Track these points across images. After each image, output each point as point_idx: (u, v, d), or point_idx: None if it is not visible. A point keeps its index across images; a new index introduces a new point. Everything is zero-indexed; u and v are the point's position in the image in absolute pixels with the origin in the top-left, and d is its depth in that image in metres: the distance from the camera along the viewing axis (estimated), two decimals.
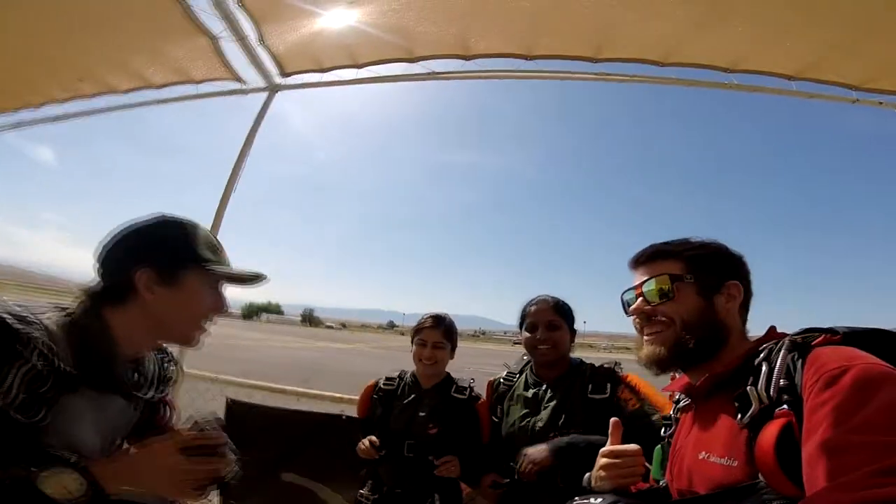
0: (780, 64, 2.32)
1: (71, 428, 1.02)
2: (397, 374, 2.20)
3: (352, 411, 2.74)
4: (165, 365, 1.34)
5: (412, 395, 2.07)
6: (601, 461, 1.06)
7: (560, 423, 1.71)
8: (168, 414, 1.37)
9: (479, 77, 3.17)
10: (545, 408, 1.78)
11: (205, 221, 3.10)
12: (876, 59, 2.12)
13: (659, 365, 1.01)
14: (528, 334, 1.88)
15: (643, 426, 1.48)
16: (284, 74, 3.34)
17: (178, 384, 1.61)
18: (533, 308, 1.91)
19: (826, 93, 2.35)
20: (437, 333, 2.08)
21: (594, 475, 1.07)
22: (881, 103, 2.36)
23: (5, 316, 0.92)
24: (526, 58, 2.89)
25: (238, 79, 3.35)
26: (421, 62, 3.12)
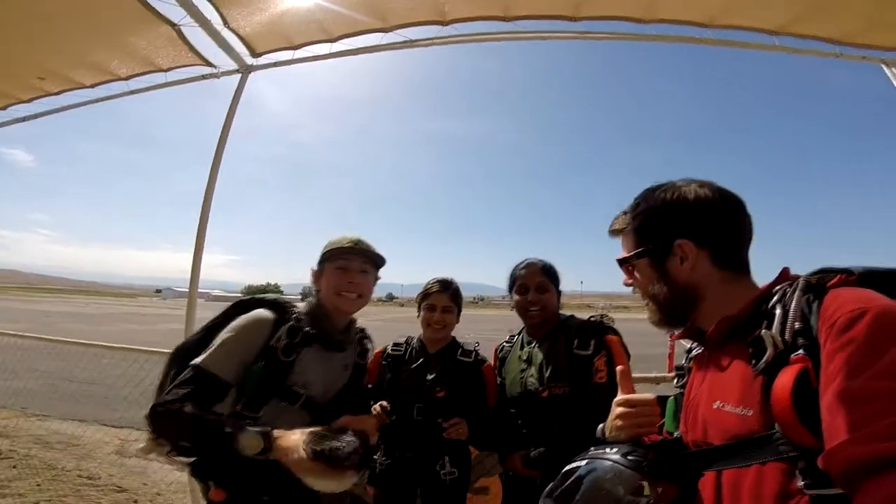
0: (762, 19, 2.26)
1: (305, 372, 1.59)
2: (404, 339, 2.21)
3: None
4: (363, 340, 1.89)
5: (420, 360, 2.09)
6: (616, 410, 1.02)
7: (547, 377, 1.78)
8: (366, 379, 1.92)
9: (458, 42, 3.05)
10: (534, 364, 1.87)
11: (194, 206, 3.15)
12: (858, 14, 2.08)
13: (660, 326, 1.03)
14: (518, 297, 1.96)
15: (596, 401, 1.56)
16: (255, 55, 3.22)
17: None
18: (522, 271, 1.97)
19: (808, 48, 2.32)
20: (446, 297, 2.09)
21: (608, 425, 1.05)
22: (864, 58, 2.34)
23: (281, 299, 1.69)
24: (504, 19, 2.79)
25: (208, 63, 3.22)
26: (396, 31, 3.02)
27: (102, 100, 3.50)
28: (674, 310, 0.98)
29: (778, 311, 0.78)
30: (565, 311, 2.04)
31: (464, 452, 2.08)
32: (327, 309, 1.68)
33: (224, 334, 1.52)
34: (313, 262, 1.78)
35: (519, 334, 2.08)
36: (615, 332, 1.84)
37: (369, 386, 2.01)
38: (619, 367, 1.14)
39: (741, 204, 0.95)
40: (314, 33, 3.04)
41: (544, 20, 2.72)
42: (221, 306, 1.78)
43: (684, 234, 0.93)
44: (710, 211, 0.93)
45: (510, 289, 2.02)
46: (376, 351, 2.14)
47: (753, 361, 0.77)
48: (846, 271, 0.77)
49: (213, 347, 1.50)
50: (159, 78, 3.29)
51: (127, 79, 3.23)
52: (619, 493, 0.83)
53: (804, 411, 0.67)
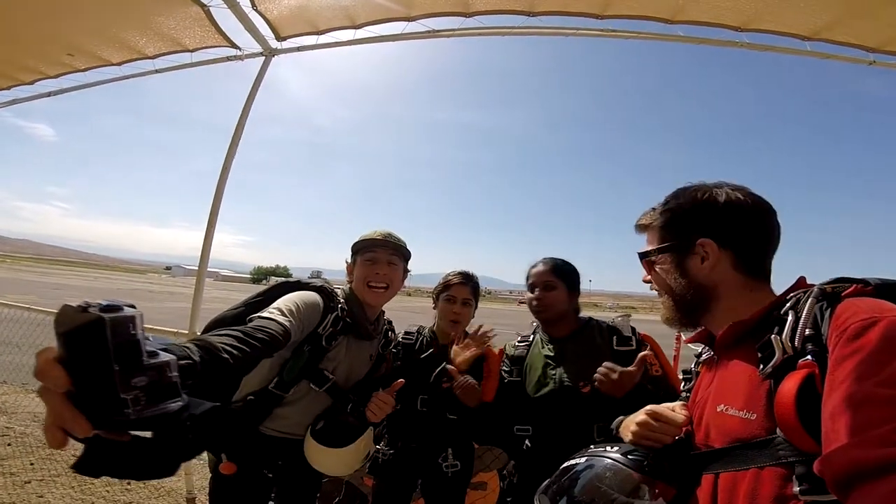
0: (794, 24, 2.20)
1: (335, 358, 1.68)
2: (416, 328, 2.19)
3: None
4: (388, 332, 2.00)
5: (429, 351, 2.05)
6: (640, 416, 1.02)
7: (586, 374, 1.72)
8: (385, 368, 1.99)
9: (480, 34, 3.03)
10: (566, 361, 1.83)
11: (211, 186, 3.11)
12: (893, 21, 2.02)
13: (671, 325, 1.03)
14: (528, 294, 1.96)
15: (658, 394, 1.51)
16: (280, 38, 3.24)
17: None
18: (533, 270, 1.97)
19: (841, 54, 2.26)
20: (466, 290, 2.06)
21: (625, 424, 1.06)
22: None
23: (328, 287, 1.69)
24: (528, 14, 2.76)
25: (233, 45, 3.26)
26: (420, 20, 3.01)
27: (128, 77, 3.57)
28: (688, 308, 0.98)
29: (790, 317, 0.77)
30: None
31: (467, 446, 2.07)
32: (360, 300, 1.75)
33: (289, 301, 1.50)
34: (323, 245, 1.85)
35: (533, 334, 2.05)
36: None
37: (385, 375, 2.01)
38: (641, 354, 1.22)
39: (772, 212, 0.94)
40: (339, 19, 3.05)
41: (570, 17, 2.68)
42: (230, 286, 1.84)
43: (708, 233, 0.93)
44: (737, 214, 0.93)
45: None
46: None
47: (761, 366, 0.77)
48: (862, 282, 0.76)
49: (280, 305, 1.47)
50: (184, 58, 3.34)
51: (153, 58, 3.29)
52: (614, 491, 0.84)
53: (807, 416, 0.66)
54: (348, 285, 1.81)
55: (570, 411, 1.73)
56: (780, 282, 0.93)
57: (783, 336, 0.76)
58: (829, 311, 0.73)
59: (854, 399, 0.58)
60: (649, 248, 1.04)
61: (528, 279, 1.99)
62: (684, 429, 0.98)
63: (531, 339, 2.04)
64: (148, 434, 0.64)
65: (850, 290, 0.75)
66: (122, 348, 0.57)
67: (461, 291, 2.06)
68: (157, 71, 3.45)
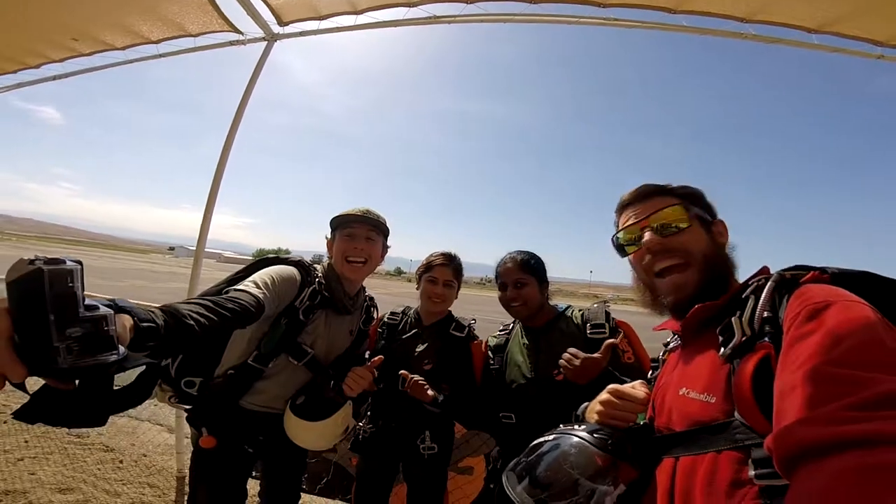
0: (802, 16, 2.13)
1: (314, 332, 1.70)
2: (402, 309, 2.20)
3: None
4: (370, 308, 2.01)
5: (413, 331, 2.06)
6: (603, 396, 1.04)
7: (558, 365, 1.73)
8: (366, 345, 2.03)
9: (482, 20, 2.99)
10: (541, 352, 1.86)
11: (210, 170, 3.14)
12: None
13: (678, 310, 0.96)
14: (500, 293, 1.97)
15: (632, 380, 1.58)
16: (282, 23, 3.24)
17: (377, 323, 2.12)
18: (501, 269, 1.98)
19: (849, 48, 2.19)
20: (448, 271, 2.05)
21: (590, 407, 1.06)
22: None
23: (305, 261, 1.74)
24: (529, 1, 2.72)
25: (235, 30, 3.27)
26: (422, 6, 2.98)
27: (132, 62, 3.59)
28: (714, 279, 0.94)
29: (750, 301, 0.80)
30: (571, 300, 2.00)
31: (446, 429, 2.06)
32: (339, 274, 1.78)
33: (263, 274, 1.53)
34: (325, 230, 1.86)
35: (514, 325, 2.07)
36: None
37: (367, 354, 2.03)
38: (607, 341, 1.21)
39: None
40: (341, 4, 3.03)
41: (571, 4, 2.63)
42: (233, 268, 1.85)
43: (717, 217, 1.02)
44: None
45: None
46: (377, 319, 2.14)
47: (722, 349, 0.79)
48: (820, 269, 0.78)
49: (255, 278, 1.50)
50: (187, 43, 3.35)
51: (157, 42, 3.30)
52: (576, 472, 0.84)
53: (763, 397, 0.67)
54: (327, 260, 1.84)
55: (546, 400, 1.75)
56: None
57: (744, 318, 0.78)
58: (786, 295, 0.75)
59: (804, 378, 0.58)
60: (673, 205, 0.99)
61: (497, 278, 1.99)
62: (648, 412, 1.00)
63: (511, 328, 2.07)
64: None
65: (808, 276, 0.77)
66: (58, 299, 0.59)
67: (443, 273, 2.04)
68: (160, 55, 3.47)
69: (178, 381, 1.56)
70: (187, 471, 2.76)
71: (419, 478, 2.00)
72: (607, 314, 1.86)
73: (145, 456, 3.39)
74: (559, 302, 2.03)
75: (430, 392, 1.82)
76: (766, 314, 0.75)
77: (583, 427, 0.92)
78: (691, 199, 1.01)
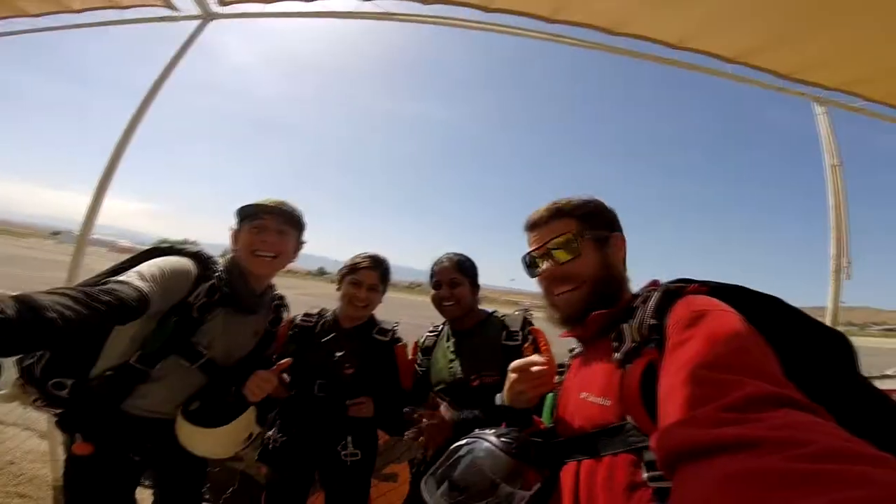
0: (724, 46, 2.41)
1: (211, 332, 1.57)
2: (317, 311, 2.10)
3: None
4: (279, 308, 1.91)
5: (331, 334, 1.98)
6: (513, 376, 1.06)
7: (477, 368, 1.84)
8: (274, 348, 1.92)
9: (436, 23, 3.03)
10: (462, 355, 1.91)
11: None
12: (805, 50, 2.27)
13: (566, 321, 1.05)
14: (434, 291, 2.00)
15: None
16: (224, 3, 3.06)
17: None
18: (437, 267, 2.02)
19: (755, 78, 2.51)
20: (374, 275, 2.00)
21: (507, 392, 1.08)
22: (802, 94, 2.56)
23: (203, 253, 1.59)
24: (484, 9, 2.80)
25: (170, 5, 3.03)
26: (376, 0, 2.96)
27: (44, 30, 3.19)
28: (605, 295, 1.02)
29: (640, 309, 0.87)
30: (492, 307, 2.10)
31: (370, 434, 2.00)
32: (243, 270, 1.65)
33: (151, 265, 1.40)
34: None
35: (443, 326, 2.11)
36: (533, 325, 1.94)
37: (274, 356, 1.90)
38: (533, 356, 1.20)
39: None
40: None
41: (523, 17, 2.75)
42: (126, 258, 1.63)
43: (616, 230, 1.08)
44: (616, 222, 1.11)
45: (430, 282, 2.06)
46: (287, 319, 2.04)
47: (615, 353, 0.86)
48: (701, 282, 0.88)
49: (140, 269, 1.37)
50: (113, 15, 3.05)
51: (78, 11, 2.96)
52: (491, 474, 0.87)
53: (651, 401, 0.72)
54: (230, 253, 1.70)
55: (463, 405, 1.79)
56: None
57: (633, 325, 0.85)
58: (670, 305, 0.83)
59: (682, 381, 0.63)
60: (566, 233, 1.05)
61: (432, 276, 2.03)
62: (554, 415, 1.06)
63: (441, 329, 2.10)
64: None
65: (690, 288, 0.86)
66: None
67: (369, 276, 1.99)
68: (77, 26, 3.11)
69: (44, 383, 1.38)
70: None
71: (340, 486, 1.92)
72: (525, 321, 1.93)
73: (13, 463, 3.06)
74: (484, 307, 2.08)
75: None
76: (652, 321, 0.82)
77: (493, 431, 0.96)
78: (588, 217, 1.06)
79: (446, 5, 2.89)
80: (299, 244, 1.80)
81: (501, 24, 2.89)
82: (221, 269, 1.63)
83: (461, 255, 2.06)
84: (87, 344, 1.43)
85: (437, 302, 1.99)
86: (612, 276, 1.04)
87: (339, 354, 1.92)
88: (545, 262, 1.09)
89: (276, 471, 1.92)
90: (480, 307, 2.07)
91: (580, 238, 1.05)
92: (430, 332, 2.14)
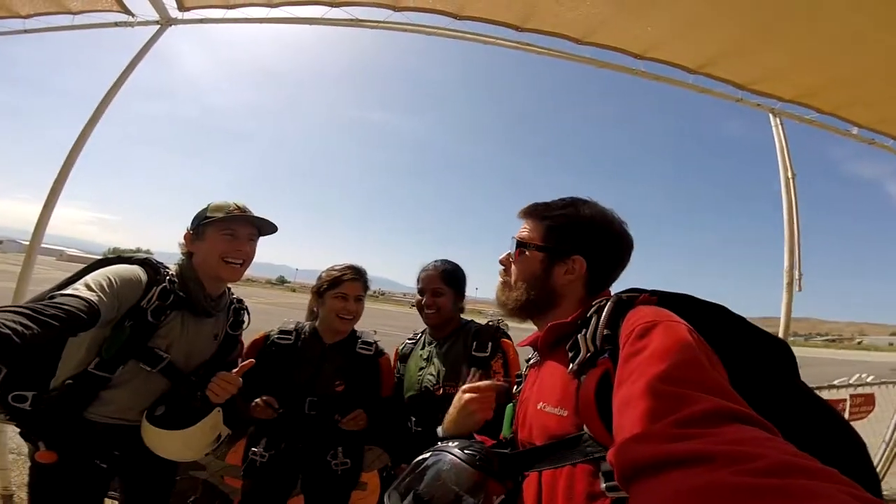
0: (685, 56, 2.48)
1: (168, 336, 1.57)
2: (292, 326, 2.03)
3: None
4: (240, 311, 1.87)
5: (315, 351, 1.94)
6: (464, 396, 1.09)
7: (443, 377, 1.85)
8: (238, 352, 1.89)
9: (404, 30, 3.00)
10: (433, 364, 1.92)
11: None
12: (762, 62, 2.36)
13: (501, 308, 1.11)
14: (418, 297, 2.03)
15: (498, 404, 1.73)
16: (183, 8, 2.95)
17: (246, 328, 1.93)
18: (423, 274, 2.04)
19: (716, 89, 2.60)
20: (358, 286, 1.97)
21: (452, 416, 1.12)
22: (759, 105, 2.66)
23: (153, 259, 1.60)
24: (455, 17, 2.79)
25: (126, 10, 2.90)
26: (344, 7, 2.91)
27: None
28: (532, 305, 1.06)
29: (593, 320, 0.86)
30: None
31: (359, 444, 2.01)
32: (200, 274, 1.65)
33: (98, 275, 1.40)
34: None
35: (422, 334, 2.12)
36: (509, 338, 1.95)
37: (241, 361, 1.86)
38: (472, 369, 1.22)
39: (633, 247, 1.08)
40: None
41: (493, 25, 2.76)
42: (75, 268, 1.67)
43: (585, 253, 1.02)
44: (615, 246, 1.05)
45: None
46: (257, 336, 2.02)
47: (571, 364, 0.85)
48: (651, 292, 0.88)
49: (87, 280, 1.38)
50: (63, 21, 2.90)
51: (27, 17, 2.80)
52: (455, 487, 0.87)
53: (606, 411, 0.72)
54: (183, 257, 1.69)
55: (429, 412, 1.80)
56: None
57: (587, 335, 0.85)
58: (622, 315, 0.83)
59: (635, 393, 0.62)
60: (530, 236, 1.08)
61: (418, 282, 2.05)
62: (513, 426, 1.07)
63: (419, 337, 2.13)
64: None
65: (640, 298, 0.86)
66: None
67: (354, 288, 1.96)
68: (26, 31, 2.94)
69: (4, 397, 1.40)
70: (15, 489, 2.50)
71: (325, 494, 1.93)
72: (497, 332, 1.94)
73: None
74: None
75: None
76: (605, 332, 0.82)
77: (456, 444, 0.96)
78: (555, 230, 1.06)
79: (417, 12, 2.87)
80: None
81: (472, 31, 2.88)
82: (174, 273, 1.63)
83: (450, 264, 2.06)
84: (42, 356, 1.44)
85: (420, 308, 2.01)
86: (543, 289, 1.04)
87: (326, 372, 1.91)
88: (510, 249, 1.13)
89: (259, 484, 1.88)
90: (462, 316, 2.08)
91: (527, 248, 1.07)
92: (409, 339, 2.15)
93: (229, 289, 1.85)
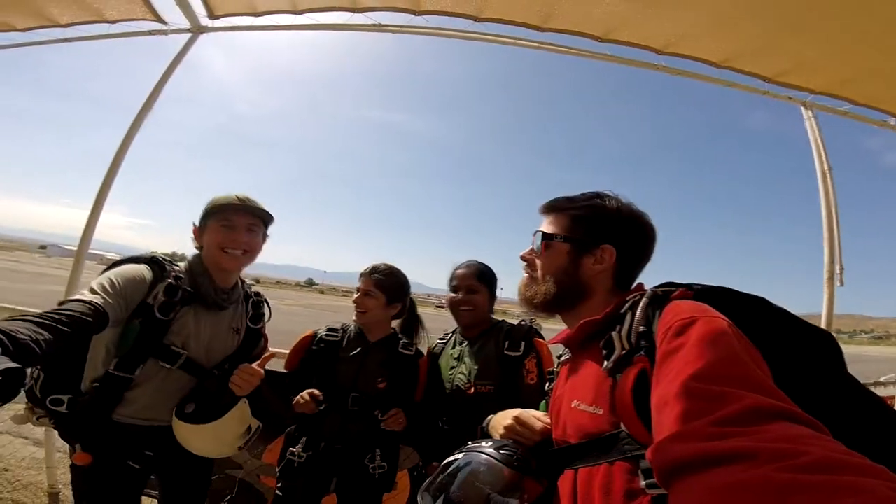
0: (709, 50, 2.45)
1: (183, 331, 1.59)
2: (340, 325, 2.11)
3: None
4: (259, 304, 1.90)
5: (359, 348, 2.00)
6: (507, 421, 1.09)
7: (474, 377, 1.84)
8: (261, 347, 1.91)
9: (427, 34, 3.06)
10: (464, 363, 1.92)
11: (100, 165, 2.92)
12: (791, 54, 2.31)
13: (526, 304, 1.09)
14: (451, 295, 2.02)
15: (526, 402, 1.53)
16: (213, 16, 3.07)
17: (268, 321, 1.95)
18: (458, 272, 2.04)
19: (743, 83, 2.56)
20: (369, 281, 2.02)
21: (494, 424, 1.12)
22: (789, 98, 2.61)
23: (159, 257, 1.62)
24: (475, 19, 2.83)
25: (159, 19, 3.03)
26: (367, 13, 2.99)
27: (31, 45, 3.19)
28: (560, 299, 1.04)
29: (627, 317, 0.85)
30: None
31: (394, 446, 2.03)
32: (208, 266, 1.68)
33: (103, 278, 1.45)
34: None
35: (453, 333, 2.13)
36: (542, 337, 1.92)
37: (282, 356, 1.95)
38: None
39: (656, 239, 1.07)
40: (280, 2, 2.95)
41: (513, 26, 2.79)
42: None
43: (613, 242, 1.01)
44: (643, 236, 1.05)
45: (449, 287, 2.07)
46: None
47: (605, 362, 0.84)
48: (687, 286, 0.86)
49: (92, 284, 1.42)
50: (100, 29, 3.05)
51: (66, 26, 2.96)
52: (488, 489, 0.86)
53: (644, 409, 0.71)
54: (196, 251, 1.72)
55: (459, 411, 1.80)
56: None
57: (622, 333, 0.83)
58: (658, 311, 0.81)
59: (675, 393, 0.61)
60: (554, 229, 1.07)
61: (451, 280, 2.05)
62: (545, 427, 1.06)
63: (450, 336, 2.12)
64: None
65: (676, 293, 0.84)
66: None
67: (364, 282, 2.04)
68: (66, 40, 3.10)
69: (44, 401, 1.46)
70: (61, 486, 2.56)
71: (361, 498, 1.93)
72: (530, 331, 1.92)
73: (7, 470, 3.07)
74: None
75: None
76: (641, 329, 0.81)
77: (490, 444, 0.96)
78: (579, 220, 1.05)
79: (438, 16, 2.93)
80: (265, 237, 1.83)
81: (492, 33, 2.92)
82: (183, 268, 1.66)
83: (483, 264, 2.08)
84: (69, 361, 1.49)
85: (454, 306, 2.01)
86: (572, 282, 1.03)
87: (370, 368, 1.95)
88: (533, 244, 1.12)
89: (294, 486, 1.89)
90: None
91: (552, 240, 1.06)
92: (440, 339, 2.15)
93: (244, 281, 1.86)
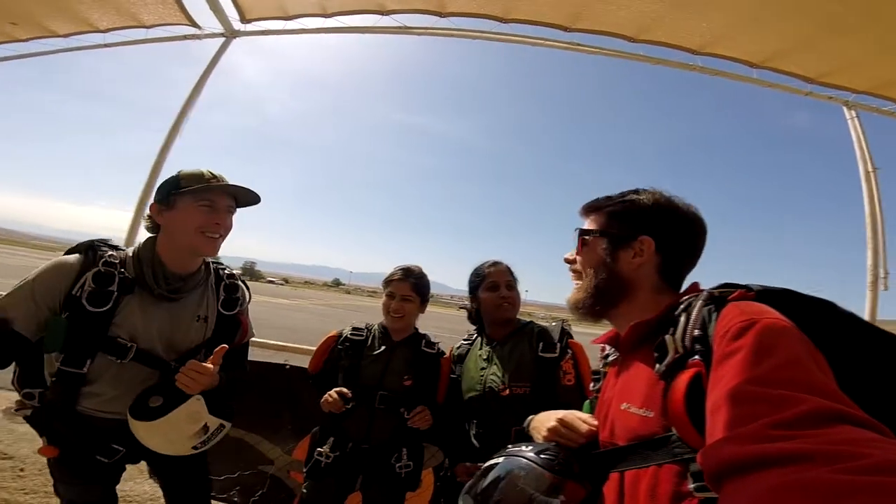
0: (746, 51, 2.37)
1: (128, 321, 1.44)
2: (364, 325, 2.12)
3: (296, 361, 2.63)
4: (232, 287, 1.71)
5: (383, 347, 2.01)
6: (551, 423, 1.07)
7: (509, 378, 1.81)
8: (241, 335, 1.74)
9: (452, 35, 3.06)
10: (496, 364, 1.88)
11: (143, 167, 2.98)
12: (833, 54, 2.21)
13: (573, 310, 1.06)
14: (487, 293, 1.96)
15: (564, 403, 1.49)
16: (245, 21, 3.14)
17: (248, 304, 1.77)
18: (493, 269, 1.99)
19: (783, 83, 2.46)
20: (406, 286, 2.02)
21: (536, 425, 1.11)
22: (831, 98, 2.50)
23: (97, 242, 1.48)
24: (501, 20, 2.82)
25: (194, 24, 3.12)
26: (393, 15, 3.00)
27: (72, 50, 3.32)
28: (602, 295, 1.01)
29: (682, 319, 0.82)
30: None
31: (420, 445, 2.04)
32: (164, 251, 1.52)
33: (19, 281, 1.40)
34: (260, 236, 1.70)
35: (478, 334, 2.09)
36: (573, 338, 1.91)
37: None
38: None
39: (706, 233, 1.01)
40: (309, 6, 2.99)
41: (540, 27, 2.76)
42: None
43: (652, 234, 0.98)
44: (684, 227, 0.99)
45: (475, 287, 2.01)
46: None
47: (657, 365, 0.82)
48: (746, 287, 0.82)
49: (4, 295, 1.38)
50: (137, 34, 3.16)
51: (105, 31, 3.08)
52: (531, 491, 0.85)
53: (696, 414, 0.69)
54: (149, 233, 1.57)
55: (492, 413, 1.78)
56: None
57: (676, 336, 0.80)
58: (715, 313, 0.78)
59: (731, 396, 0.60)
60: (591, 226, 1.06)
61: (483, 278, 2.00)
62: (590, 429, 1.03)
63: (474, 338, 2.09)
64: None
65: (734, 294, 0.80)
66: None
67: (400, 288, 2.02)
68: (106, 45, 3.23)
69: (21, 394, 1.45)
70: None
71: (386, 496, 1.93)
72: (563, 333, 1.89)
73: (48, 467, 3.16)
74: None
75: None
76: (696, 332, 0.78)
77: (530, 448, 0.95)
78: (615, 216, 1.04)
79: (463, 17, 2.92)
80: None
81: (518, 34, 2.89)
82: (128, 254, 1.51)
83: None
84: (34, 356, 1.43)
85: (494, 304, 1.95)
86: (611, 277, 1.00)
87: (395, 367, 1.95)
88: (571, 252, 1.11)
89: (321, 486, 1.91)
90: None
91: (588, 236, 1.05)
92: (465, 340, 2.12)
93: (210, 264, 1.69)
